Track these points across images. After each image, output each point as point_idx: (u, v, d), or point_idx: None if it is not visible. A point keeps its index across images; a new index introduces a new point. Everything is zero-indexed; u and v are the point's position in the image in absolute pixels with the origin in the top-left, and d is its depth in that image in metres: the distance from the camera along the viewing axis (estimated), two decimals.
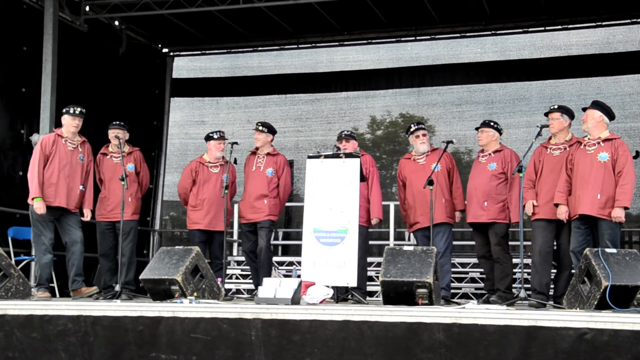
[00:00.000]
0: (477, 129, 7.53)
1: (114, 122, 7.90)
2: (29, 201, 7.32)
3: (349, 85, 11.57)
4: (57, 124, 8.86)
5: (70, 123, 7.50)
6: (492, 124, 7.44)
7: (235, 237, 10.52)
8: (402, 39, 11.16)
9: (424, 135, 7.62)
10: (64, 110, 7.55)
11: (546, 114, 7.03)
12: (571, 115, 6.97)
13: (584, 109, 6.69)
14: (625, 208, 6.36)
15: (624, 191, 6.34)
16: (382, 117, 11.72)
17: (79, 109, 7.52)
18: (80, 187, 7.51)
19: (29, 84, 9.07)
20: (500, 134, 7.47)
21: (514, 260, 7.34)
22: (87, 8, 10.02)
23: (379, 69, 11.43)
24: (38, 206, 7.19)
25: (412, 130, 7.68)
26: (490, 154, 7.36)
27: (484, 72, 11.01)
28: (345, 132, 7.83)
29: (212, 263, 7.74)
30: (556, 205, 6.66)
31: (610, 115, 6.63)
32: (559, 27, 10.53)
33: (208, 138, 8.00)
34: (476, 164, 7.51)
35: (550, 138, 7.02)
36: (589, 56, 10.50)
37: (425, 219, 7.35)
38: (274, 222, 7.88)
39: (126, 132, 7.90)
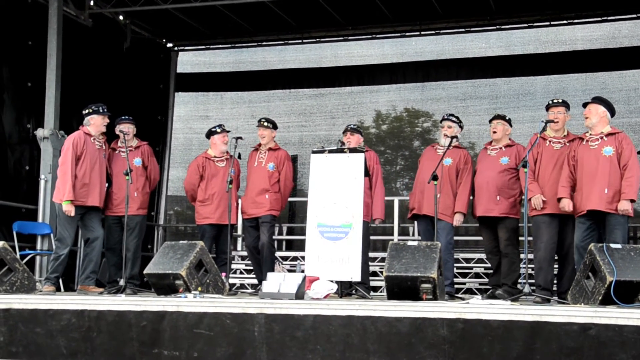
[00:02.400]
0: (490, 121, 7.46)
1: (122, 117, 7.92)
2: (57, 200, 7.32)
3: (353, 80, 11.56)
4: (62, 118, 8.90)
5: (101, 122, 7.56)
6: (507, 118, 7.42)
7: (239, 232, 10.53)
8: (407, 33, 11.14)
9: (449, 127, 7.51)
10: (91, 110, 7.55)
11: (548, 108, 6.98)
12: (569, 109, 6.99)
13: (585, 105, 6.66)
14: (632, 200, 6.33)
15: (630, 184, 6.32)
16: (387, 112, 11.71)
17: (106, 107, 7.60)
18: (105, 184, 7.62)
19: (34, 78, 9.08)
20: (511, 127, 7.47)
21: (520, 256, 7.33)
22: (92, 3, 10.03)
23: (383, 63, 11.40)
24: (68, 209, 7.21)
25: (441, 119, 7.69)
26: (501, 148, 7.32)
27: (488, 67, 10.99)
28: (352, 126, 7.83)
29: (218, 257, 7.75)
30: (559, 199, 6.63)
31: (612, 111, 6.61)
32: (564, 21, 10.48)
33: (211, 133, 8.00)
34: (484, 157, 7.42)
35: (545, 130, 6.94)
36: (594, 51, 10.47)
37: (418, 207, 7.42)
38: (276, 217, 7.88)
39: (133, 126, 7.92)
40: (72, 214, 7.22)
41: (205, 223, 7.79)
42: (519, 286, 7.11)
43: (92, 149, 7.47)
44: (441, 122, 7.68)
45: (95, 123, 7.54)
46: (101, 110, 7.56)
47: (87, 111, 7.57)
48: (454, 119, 7.58)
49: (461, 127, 7.64)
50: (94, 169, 7.42)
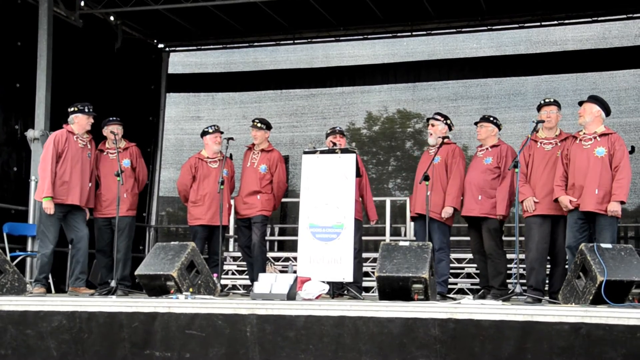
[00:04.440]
0: (476, 123, 7.49)
1: (110, 118, 7.88)
2: (38, 198, 7.29)
3: (345, 80, 11.56)
4: (53, 119, 8.86)
5: (86, 122, 7.52)
6: (491, 118, 7.41)
7: (231, 232, 10.52)
8: (398, 34, 11.17)
9: (432, 125, 7.52)
10: (76, 109, 7.50)
11: (540, 108, 6.98)
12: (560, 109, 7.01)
13: (580, 103, 6.68)
14: (622, 202, 6.36)
15: (621, 185, 6.34)
16: (379, 113, 11.71)
17: (92, 107, 7.57)
18: (89, 184, 7.55)
19: (23, 79, 9.04)
20: (500, 129, 7.44)
21: (509, 256, 7.33)
22: (82, 3, 10.00)
23: (374, 64, 11.41)
24: (47, 206, 7.17)
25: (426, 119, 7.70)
26: (487, 149, 7.33)
27: (479, 67, 11.01)
28: (339, 128, 7.84)
29: (210, 259, 7.73)
30: (556, 200, 6.62)
31: (607, 110, 6.62)
32: (555, 22, 10.52)
33: (204, 134, 8.00)
34: (474, 159, 7.49)
35: (537, 131, 6.96)
36: (585, 51, 10.51)
37: (413, 207, 7.51)
38: (267, 217, 7.89)
39: (122, 127, 7.89)
40: (51, 211, 7.18)
41: (197, 224, 7.78)
42: (509, 286, 7.11)
43: (75, 148, 7.42)
44: (426, 121, 7.70)
45: (79, 122, 7.50)
46: (86, 110, 7.51)
47: (72, 109, 7.54)
48: (438, 117, 7.55)
49: (448, 125, 7.54)
50: (75, 168, 7.37)
